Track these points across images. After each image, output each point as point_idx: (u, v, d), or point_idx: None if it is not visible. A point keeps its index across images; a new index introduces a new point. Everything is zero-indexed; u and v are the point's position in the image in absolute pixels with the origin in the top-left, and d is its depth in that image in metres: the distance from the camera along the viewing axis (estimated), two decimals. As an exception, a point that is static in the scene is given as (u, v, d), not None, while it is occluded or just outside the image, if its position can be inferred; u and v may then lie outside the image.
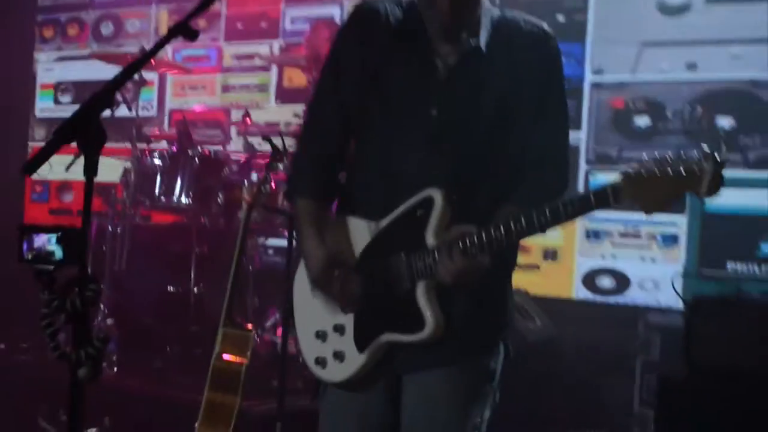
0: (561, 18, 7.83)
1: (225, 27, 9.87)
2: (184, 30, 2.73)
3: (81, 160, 6.58)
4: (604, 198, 2.60)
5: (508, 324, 3.15)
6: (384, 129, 3.10)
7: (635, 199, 2.56)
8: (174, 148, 7.30)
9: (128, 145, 7.51)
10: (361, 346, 3.03)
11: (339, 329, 3.09)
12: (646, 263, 7.57)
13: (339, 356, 3.09)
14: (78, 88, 10.89)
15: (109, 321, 6.78)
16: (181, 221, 7.54)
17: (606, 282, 7.71)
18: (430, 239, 2.88)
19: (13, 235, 7.41)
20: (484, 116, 2.99)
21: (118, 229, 7.34)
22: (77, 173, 8.12)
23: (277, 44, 9.49)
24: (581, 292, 7.68)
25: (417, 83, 3.05)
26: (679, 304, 6.99)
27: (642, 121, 7.61)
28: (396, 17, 3.12)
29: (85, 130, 2.49)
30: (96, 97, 2.52)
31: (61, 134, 2.48)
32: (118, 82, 2.62)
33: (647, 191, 2.53)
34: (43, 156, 2.52)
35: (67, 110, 10.85)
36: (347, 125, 3.18)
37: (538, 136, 3.03)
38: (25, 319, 7.92)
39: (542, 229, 2.72)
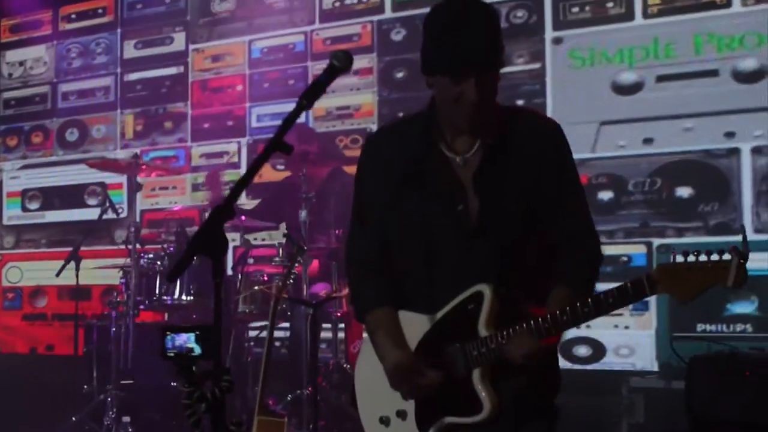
0: (520, 103, 8.17)
1: (191, 127, 10.20)
2: (279, 146, 2.95)
3: (71, 265, 6.85)
4: (641, 288, 2.91)
5: (550, 409, 3.39)
6: (415, 226, 3.37)
7: (669, 290, 2.84)
8: (171, 248, 7.56)
9: (123, 247, 7.73)
10: (422, 429, 3.31)
11: (401, 414, 3.37)
12: (620, 330, 7.92)
13: None
14: (46, 193, 11.10)
15: (125, 418, 6.98)
16: (183, 318, 7.73)
17: (582, 350, 8.04)
18: (483, 330, 3.18)
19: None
20: (510, 207, 3.26)
21: (122, 330, 7.54)
22: (50, 279, 8.37)
23: (245, 141, 9.83)
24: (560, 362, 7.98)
25: (437, 180, 3.34)
26: (655, 367, 7.40)
27: (605, 195, 7.99)
28: (410, 132, 3.46)
29: (212, 240, 2.76)
30: (217, 210, 2.78)
31: (193, 245, 2.77)
32: (234, 196, 2.86)
33: (680, 283, 2.80)
34: (182, 265, 2.82)
35: (35, 216, 11.08)
36: (380, 237, 3.49)
37: (566, 218, 3.30)
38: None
39: (587, 319, 3.08)
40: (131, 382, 7.46)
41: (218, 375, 2.72)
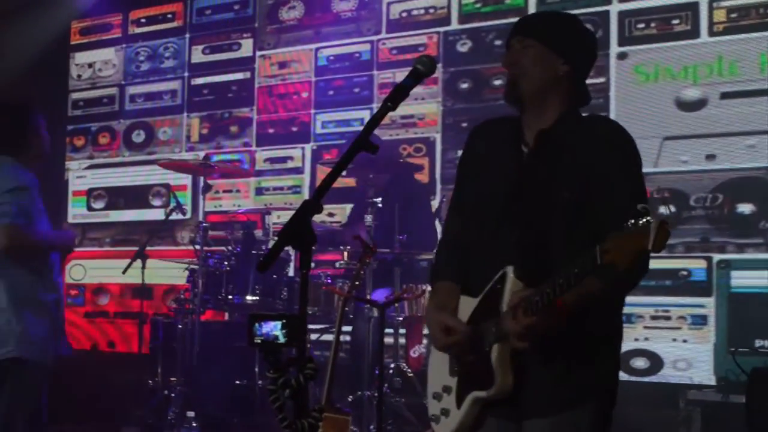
0: (597, 114, 8.18)
1: (256, 132, 10.36)
2: (365, 145, 3.06)
3: (136, 263, 7.00)
4: (593, 258, 2.85)
5: (599, 387, 3.43)
6: (478, 214, 3.57)
7: (614, 259, 2.78)
8: (238, 248, 7.71)
9: (186, 247, 7.88)
10: (458, 402, 3.46)
11: (447, 390, 3.54)
12: (678, 343, 7.97)
13: (445, 413, 3.54)
14: (111, 193, 11.31)
15: (190, 414, 7.11)
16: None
17: (640, 363, 8.08)
18: (504, 307, 3.28)
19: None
20: (556, 199, 3.35)
21: (188, 327, 7.69)
22: (113, 277, 8.56)
23: (309, 147, 9.98)
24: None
25: (505, 172, 3.51)
26: (712, 381, 7.42)
27: (665, 209, 8.04)
28: (505, 124, 3.64)
29: (300, 233, 2.88)
30: (306, 205, 2.91)
31: (283, 237, 2.89)
32: (321, 192, 2.98)
33: (619, 251, 2.76)
34: (272, 256, 2.91)
35: (100, 216, 11.29)
36: (467, 221, 3.66)
37: (612, 220, 3.16)
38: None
39: (561, 290, 3.02)
40: (195, 378, 7.59)
41: (302, 362, 2.84)
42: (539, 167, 3.42)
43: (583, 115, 3.56)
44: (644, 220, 2.68)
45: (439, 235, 3.93)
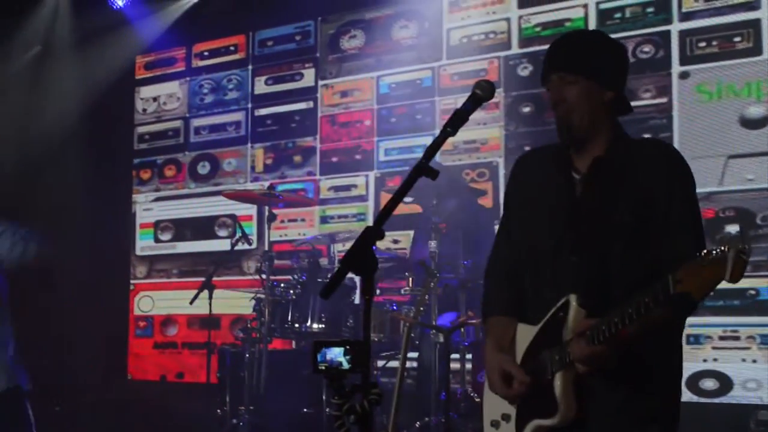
0: (648, 137, 8.15)
1: (320, 161, 10.42)
2: (425, 170, 3.07)
3: (203, 294, 7.10)
4: (666, 287, 2.82)
5: (662, 412, 3.41)
6: (531, 242, 3.57)
7: (688, 288, 2.77)
8: (303, 277, 7.75)
9: (257, 277, 7.95)
10: (519, 430, 3.46)
11: (506, 418, 3.54)
12: (747, 363, 7.90)
13: None
14: (177, 225, 11.44)
15: (258, 442, 7.18)
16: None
17: (709, 384, 8.01)
18: (567, 335, 3.28)
19: (120, 364, 7.90)
20: (614, 223, 3.33)
21: (255, 356, 7.74)
22: (181, 308, 8.70)
23: (372, 175, 10.02)
24: (685, 395, 7.94)
25: (558, 198, 3.50)
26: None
27: (733, 228, 7.98)
28: (549, 152, 3.63)
29: (362, 259, 2.91)
30: (368, 231, 2.93)
31: (345, 264, 2.91)
32: (383, 218, 3.00)
33: (694, 280, 2.75)
34: (334, 282, 2.94)
35: (167, 247, 11.41)
36: (519, 249, 3.66)
37: (673, 238, 3.29)
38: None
39: (628, 322, 2.99)
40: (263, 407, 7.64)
41: (367, 388, 2.85)
42: (596, 193, 3.42)
43: (634, 138, 3.55)
44: (719, 250, 2.67)
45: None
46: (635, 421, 3.35)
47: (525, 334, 3.52)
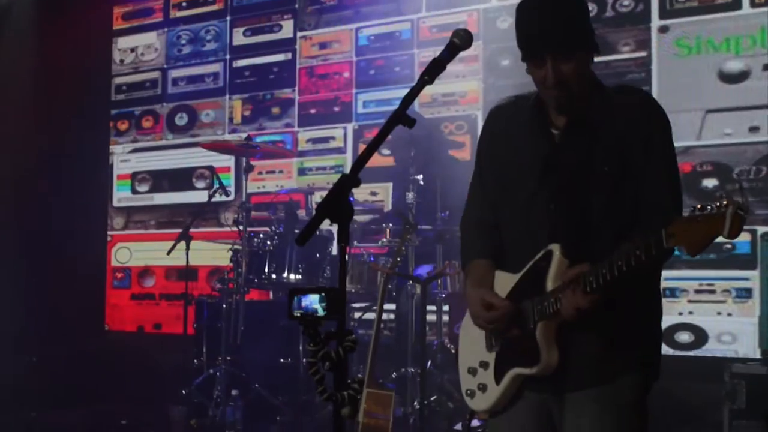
0: (624, 85, 8.12)
1: (298, 112, 10.40)
2: (402, 119, 3.07)
3: (180, 245, 7.10)
4: (659, 242, 2.82)
5: (642, 360, 3.40)
6: (513, 193, 3.53)
7: (682, 243, 2.77)
8: (281, 228, 7.75)
9: (234, 228, 7.95)
10: (498, 378, 3.47)
11: (484, 365, 3.54)
12: (723, 317, 7.95)
13: (482, 388, 3.54)
14: (155, 176, 11.41)
15: (234, 392, 7.18)
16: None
17: (685, 337, 8.07)
18: (549, 285, 3.27)
19: (97, 316, 7.95)
20: (593, 174, 3.32)
21: (233, 307, 7.75)
22: (158, 259, 8.71)
23: (351, 127, 10.01)
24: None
25: (535, 151, 3.47)
26: (757, 354, 7.38)
27: (710, 182, 8.01)
28: (523, 106, 3.58)
29: (338, 206, 2.90)
30: (344, 179, 2.94)
31: (320, 211, 2.90)
32: (359, 165, 3.02)
33: (689, 236, 2.74)
34: (310, 230, 2.92)
35: (145, 199, 11.39)
36: (493, 201, 3.65)
37: (649, 190, 3.30)
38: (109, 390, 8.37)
39: (622, 272, 2.97)
40: (240, 357, 7.67)
41: (342, 335, 2.86)
42: (574, 145, 3.39)
43: (610, 87, 3.52)
44: (716, 205, 2.67)
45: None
46: (614, 370, 3.35)
47: (504, 281, 3.50)
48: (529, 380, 3.40)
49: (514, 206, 3.53)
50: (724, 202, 2.65)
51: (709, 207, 2.68)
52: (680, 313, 8.03)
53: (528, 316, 3.33)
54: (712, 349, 7.98)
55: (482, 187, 3.71)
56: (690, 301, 8.03)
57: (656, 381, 3.45)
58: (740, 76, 8.03)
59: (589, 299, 3.10)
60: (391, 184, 8.83)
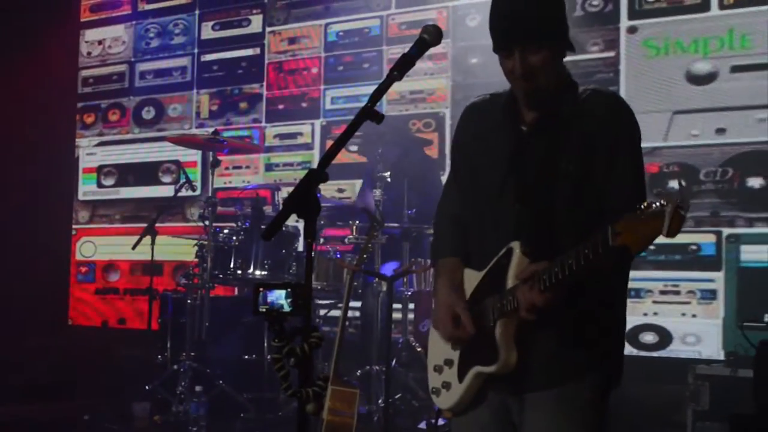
0: (596, 87, 8.15)
1: (266, 108, 10.37)
2: (370, 114, 3.04)
3: (146, 240, 7.06)
4: (605, 240, 2.80)
5: (602, 362, 3.37)
6: (482, 190, 3.51)
7: (626, 241, 2.75)
8: (247, 224, 7.72)
9: (200, 223, 7.93)
10: (461, 376, 3.45)
11: (448, 363, 3.53)
12: (687, 318, 7.97)
13: (446, 386, 3.53)
14: (121, 170, 11.34)
15: (198, 388, 7.14)
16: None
17: (649, 337, 8.09)
18: (509, 283, 3.24)
19: (61, 310, 7.94)
20: (557, 172, 3.30)
21: (197, 302, 7.72)
22: (123, 254, 8.65)
23: (318, 123, 9.99)
24: (625, 348, 8.01)
25: (504, 148, 3.45)
26: (721, 356, 7.43)
27: (676, 183, 8.00)
28: (496, 103, 3.57)
29: (305, 201, 2.87)
30: (311, 174, 2.90)
31: (287, 205, 2.87)
32: (327, 160, 2.97)
33: (633, 233, 2.73)
34: (276, 224, 2.89)
35: (110, 192, 11.32)
36: (465, 198, 3.65)
37: (613, 190, 3.28)
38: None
39: (572, 272, 2.95)
40: (204, 353, 7.64)
41: (308, 331, 2.83)
42: (540, 142, 3.38)
43: (582, 88, 3.52)
44: (658, 204, 2.65)
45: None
46: (573, 370, 3.33)
47: (471, 279, 3.50)
48: (492, 380, 3.37)
49: (482, 203, 3.51)
50: (664, 201, 2.64)
51: (653, 205, 2.68)
52: (645, 314, 8.05)
53: (488, 314, 3.31)
54: (676, 350, 8.00)
55: (456, 183, 3.71)
56: (655, 302, 8.05)
57: (617, 387, 3.42)
58: (708, 78, 8.05)
59: (544, 297, 3.07)
60: (358, 182, 8.80)
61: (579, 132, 3.32)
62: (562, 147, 3.33)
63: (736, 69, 7.95)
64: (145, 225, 8.59)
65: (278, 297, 2.89)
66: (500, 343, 3.27)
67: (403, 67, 3.11)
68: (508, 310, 3.22)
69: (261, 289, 2.92)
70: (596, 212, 3.22)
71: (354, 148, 8.90)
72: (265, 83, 10.38)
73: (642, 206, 2.69)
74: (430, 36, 3.16)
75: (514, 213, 3.37)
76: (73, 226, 11.61)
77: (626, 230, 2.74)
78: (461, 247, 3.64)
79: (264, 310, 2.90)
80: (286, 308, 2.88)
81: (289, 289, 2.89)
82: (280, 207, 8.29)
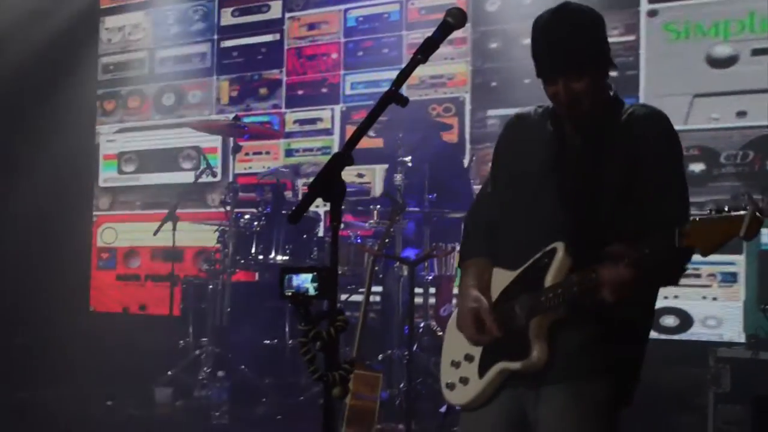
0: (614, 74, 8.16)
1: (286, 93, 10.39)
2: (395, 97, 3.03)
3: (166, 226, 7.10)
4: (672, 241, 2.87)
5: (621, 361, 3.40)
6: (523, 194, 3.55)
7: (695, 244, 2.83)
8: (268, 209, 7.74)
9: (221, 209, 7.94)
10: (481, 372, 3.47)
11: (468, 358, 3.55)
12: (708, 301, 7.97)
13: (464, 381, 3.55)
14: (142, 157, 11.37)
15: (220, 373, 7.17)
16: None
17: (670, 320, 8.10)
18: (548, 281, 3.27)
19: (82, 296, 7.97)
20: (602, 182, 3.35)
21: (219, 288, 7.74)
22: (144, 240, 8.70)
23: (338, 109, 10.00)
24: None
25: (548, 156, 3.49)
26: (742, 338, 7.41)
27: (697, 167, 8.03)
28: (542, 114, 3.62)
29: (331, 185, 2.86)
30: (337, 157, 2.88)
31: (313, 189, 2.86)
32: (352, 144, 2.94)
33: (704, 237, 2.80)
34: (302, 207, 2.88)
35: (131, 179, 11.35)
36: (502, 202, 3.66)
37: (654, 205, 3.30)
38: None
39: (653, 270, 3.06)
40: (225, 338, 7.67)
41: (333, 315, 2.83)
42: (587, 153, 3.42)
43: (627, 105, 3.53)
44: (738, 206, 2.73)
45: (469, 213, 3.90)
46: (590, 367, 3.35)
47: (501, 278, 3.51)
48: (511, 377, 3.40)
49: (522, 207, 3.55)
50: (744, 205, 2.71)
51: (726, 208, 2.72)
52: (665, 297, 8.02)
53: (521, 311, 3.34)
54: (697, 333, 8.00)
55: (494, 188, 3.74)
56: (675, 285, 8.00)
57: (628, 407, 3.44)
58: (728, 61, 8.03)
59: (631, 272, 3.06)
60: (378, 167, 8.81)
61: (622, 146, 3.37)
62: (606, 159, 3.38)
63: (756, 52, 7.93)
64: (165, 211, 8.63)
65: (304, 281, 2.89)
66: (533, 340, 3.30)
67: (427, 50, 3.10)
68: (546, 307, 3.25)
69: (287, 273, 2.93)
70: (638, 222, 3.25)
71: (372, 133, 8.90)
72: (284, 69, 10.38)
73: (713, 210, 2.77)
74: (455, 19, 3.16)
75: (557, 219, 3.41)
76: (94, 213, 11.64)
77: (695, 233, 2.80)
78: (491, 249, 3.66)
79: (290, 294, 2.91)
80: (312, 292, 2.88)
81: (315, 273, 2.89)
82: (300, 193, 8.37)
